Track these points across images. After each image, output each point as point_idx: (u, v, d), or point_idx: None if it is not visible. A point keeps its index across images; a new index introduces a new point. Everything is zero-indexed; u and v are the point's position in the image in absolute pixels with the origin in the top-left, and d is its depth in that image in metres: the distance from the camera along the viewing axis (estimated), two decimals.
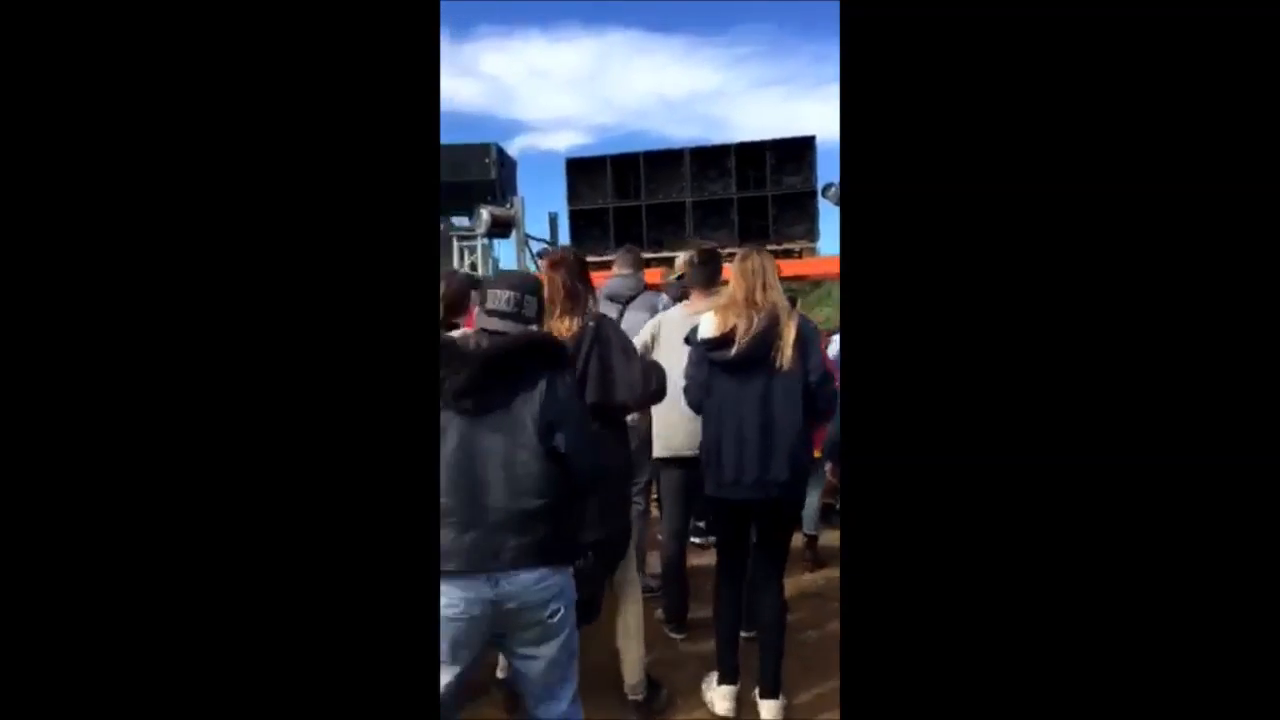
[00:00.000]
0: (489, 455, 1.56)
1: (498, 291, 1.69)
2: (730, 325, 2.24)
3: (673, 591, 3.04)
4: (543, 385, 1.58)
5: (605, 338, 2.15)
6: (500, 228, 5.60)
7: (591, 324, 2.14)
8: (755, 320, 2.21)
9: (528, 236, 6.02)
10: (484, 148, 5.80)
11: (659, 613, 3.17)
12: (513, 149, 6.75)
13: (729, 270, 2.46)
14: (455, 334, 1.89)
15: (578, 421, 1.63)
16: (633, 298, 3.04)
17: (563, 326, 2.13)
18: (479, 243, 5.85)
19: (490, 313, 1.68)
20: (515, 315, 1.67)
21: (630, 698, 2.45)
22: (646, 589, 3.51)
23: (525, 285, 1.72)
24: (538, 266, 6.10)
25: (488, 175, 5.73)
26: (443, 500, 1.55)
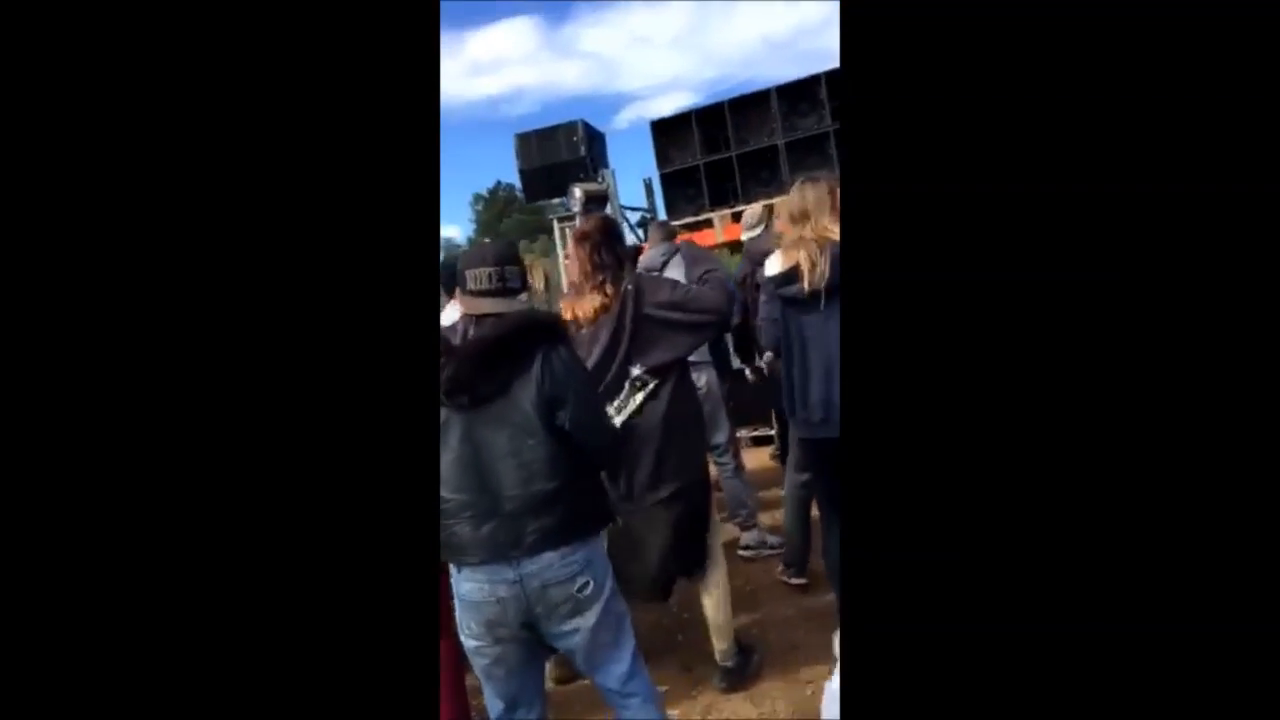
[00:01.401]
0: (494, 446, 1.53)
1: (476, 270, 1.61)
2: (794, 261, 2.13)
3: (795, 537, 3.02)
4: (538, 364, 1.52)
5: (642, 290, 2.10)
6: (594, 202, 5.64)
7: (629, 288, 2.10)
8: (815, 254, 2.08)
9: (623, 207, 6.02)
10: (570, 126, 5.85)
11: (780, 569, 3.14)
12: (620, 122, 6.75)
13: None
14: (443, 323, 1.89)
15: (579, 395, 1.56)
16: (666, 262, 3.02)
17: (594, 302, 2.10)
18: (577, 221, 5.93)
19: (473, 294, 1.62)
20: (500, 291, 1.60)
21: (720, 664, 2.43)
22: (766, 546, 3.48)
23: (502, 256, 1.63)
24: (638, 236, 6.10)
25: (577, 153, 5.77)
26: (455, 496, 1.54)
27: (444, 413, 1.55)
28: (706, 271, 2.38)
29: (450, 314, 2.25)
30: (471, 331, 1.59)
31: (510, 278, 1.62)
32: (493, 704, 1.70)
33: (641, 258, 3.15)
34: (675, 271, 2.93)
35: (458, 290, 1.68)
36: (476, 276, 1.61)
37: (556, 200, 6.25)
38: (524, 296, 1.67)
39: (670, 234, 3.50)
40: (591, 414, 1.59)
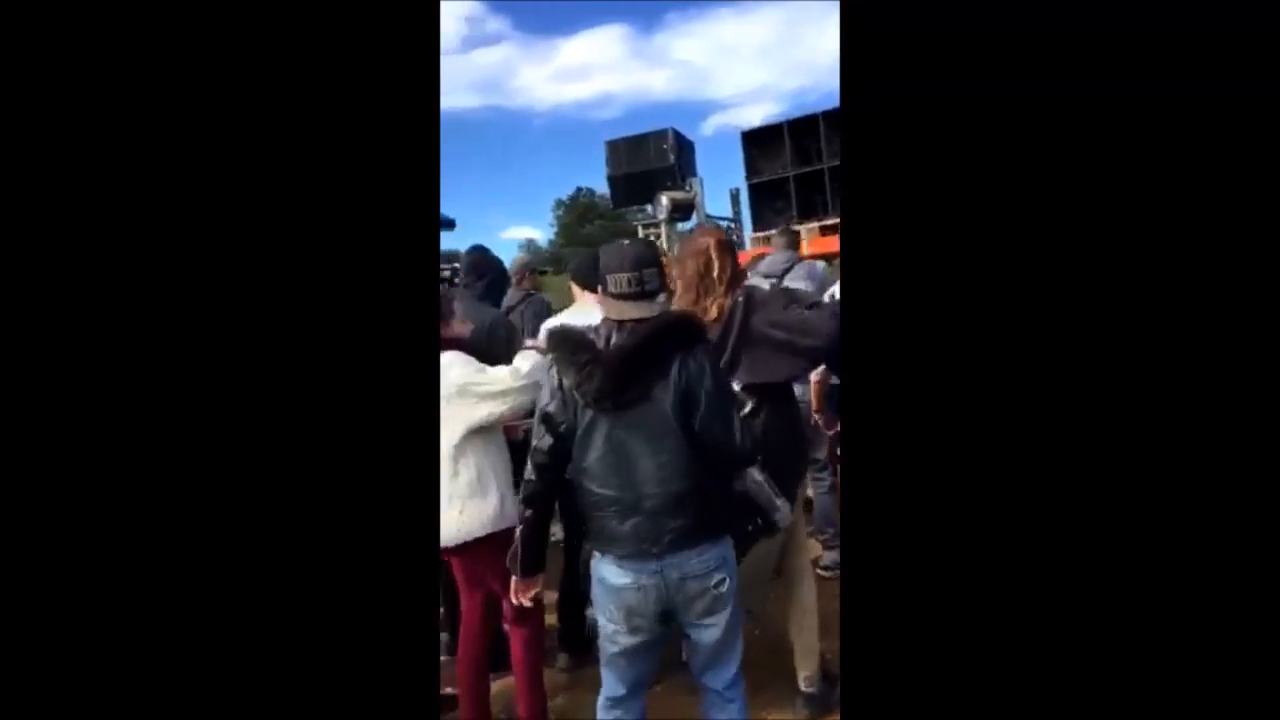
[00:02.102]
0: (636, 446, 1.59)
1: (616, 275, 1.65)
2: None
3: None
4: (676, 367, 1.57)
5: (754, 303, 2.07)
6: (680, 211, 5.65)
7: (740, 299, 2.07)
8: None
9: (709, 217, 6.00)
10: (660, 135, 5.88)
11: None
12: (706, 129, 6.76)
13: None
14: (578, 323, 1.90)
15: (710, 398, 1.59)
16: (788, 269, 2.92)
17: (709, 314, 2.08)
18: (662, 229, 5.94)
19: (614, 297, 1.66)
20: (639, 294, 1.64)
21: (804, 690, 2.35)
22: None
23: (642, 259, 1.67)
24: None
25: (666, 161, 5.80)
26: (599, 491, 1.62)
27: (589, 414, 1.62)
28: (815, 303, 2.32)
29: (589, 314, 2.27)
30: (614, 337, 1.63)
31: (649, 280, 1.65)
32: (610, 687, 1.76)
33: (761, 263, 3.08)
34: (795, 281, 2.85)
35: (600, 291, 1.72)
36: (617, 280, 1.65)
37: (636, 208, 6.29)
38: (661, 298, 1.70)
39: (794, 241, 3.35)
40: (722, 418, 1.60)
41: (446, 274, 3.54)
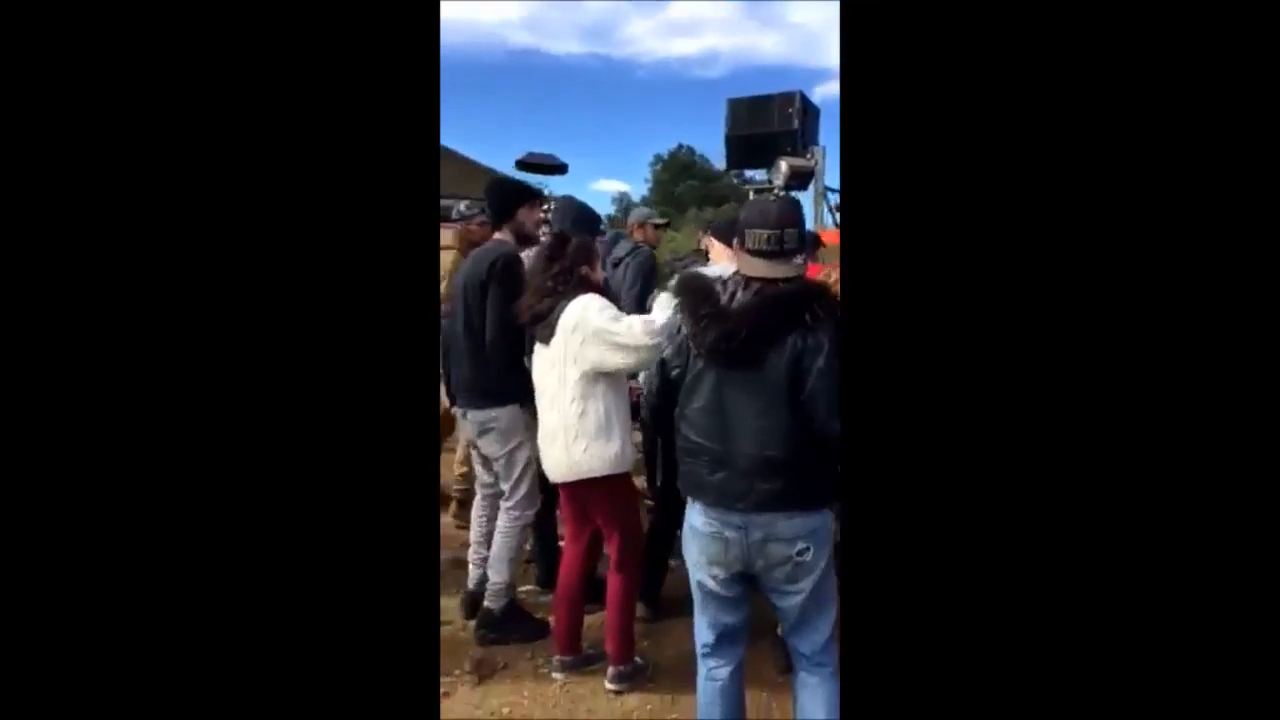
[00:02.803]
0: (739, 404, 1.58)
1: (756, 231, 1.60)
2: None
3: None
4: (795, 335, 1.53)
5: None
6: (799, 179, 5.47)
7: None
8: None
9: (827, 188, 5.81)
10: (787, 97, 5.68)
11: None
12: (814, 97, 6.49)
13: None
14: (710, 271, 1.87)
15: (821, 378, 1.53)
16: None
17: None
18: (776, 195, 5.79)
19: (750, 253, 1.61)
20: (776, 253, 1.59)
21: None
22: None
23: (784, 217, 1.61)
24: (834, 220, 5.87)
25: (790, 125, 5.60)
26: (696, 439, 1.64)
27: (700, 364, 1.62)
28: None
29: (722, 266, 2.24)
30: (740, 294, 1.60)
31: (789, 240, 1.61)
32: (701, 633, 1.80)
33: None
34: None
35: (736, 245, 1.68)
36: (756, 237, 1.60)
37: (740, 171, 6.10)
38: (799, 259, 1.65)
39: None
40: (826, 399, 1.55)
41: (544, 213, 3.57)
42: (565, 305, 2.19)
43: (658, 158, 36.11)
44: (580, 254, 2.28)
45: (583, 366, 2.16)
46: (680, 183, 32.92)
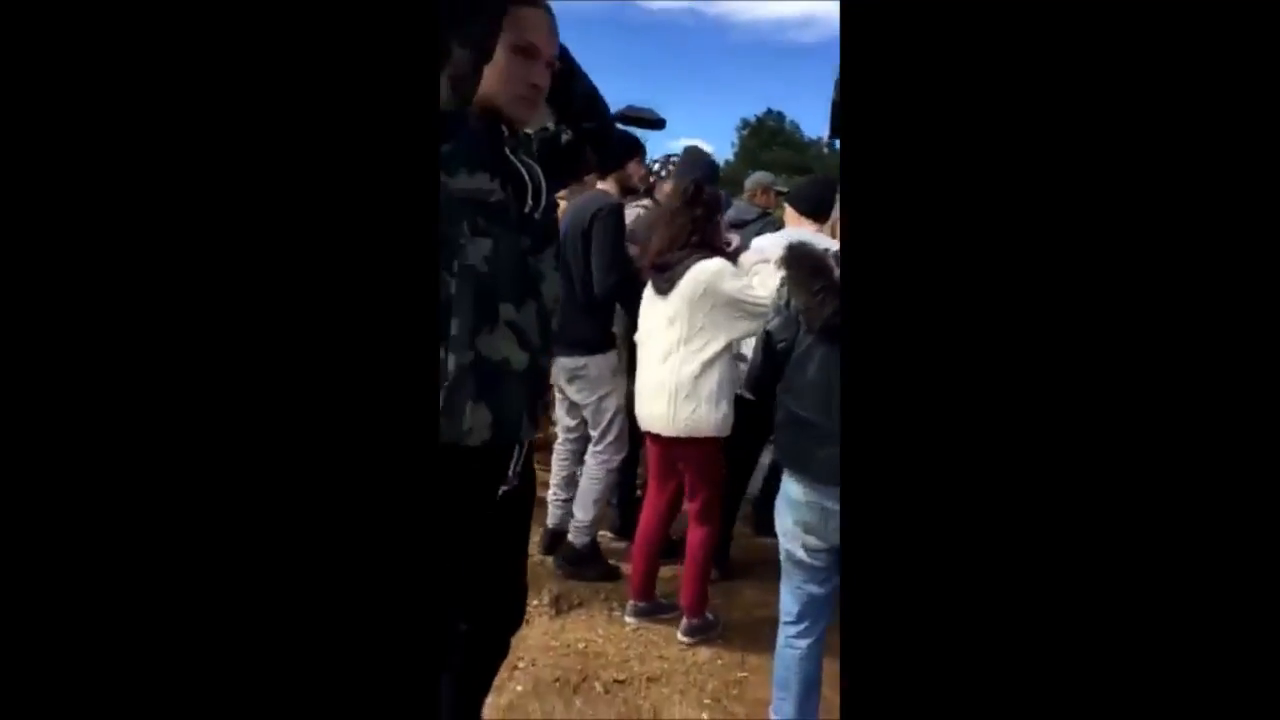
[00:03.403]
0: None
1: None
2: None
3: None
4: None
5: None
6: None
7: None
8: None
9: None
10: None
11: None
12: None
13: None
14: (828, 247, 1.84)
15: None
16: None
17: None
18: None
19: None
20: None
21: None
22: None
23: None
24: None
25: None
26: (802, 413, 1.64)
27: (809, 338, 1.63)
28: None
29: (798, 231, 2.22)
30: None
31: None
32: (786, 601, 1.83)
33: None
34: None
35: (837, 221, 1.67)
36: None
37: (830, 140, 5.88)
38: None
39: None
40: None
41: (656, 164, 3.55)
42: (690, 264, 2.19)
43: (745, 122, 35.29)
44: (715, 202, 2.29)
45: (719, 334, 2.17)
46: (767, 149, 32.15)
